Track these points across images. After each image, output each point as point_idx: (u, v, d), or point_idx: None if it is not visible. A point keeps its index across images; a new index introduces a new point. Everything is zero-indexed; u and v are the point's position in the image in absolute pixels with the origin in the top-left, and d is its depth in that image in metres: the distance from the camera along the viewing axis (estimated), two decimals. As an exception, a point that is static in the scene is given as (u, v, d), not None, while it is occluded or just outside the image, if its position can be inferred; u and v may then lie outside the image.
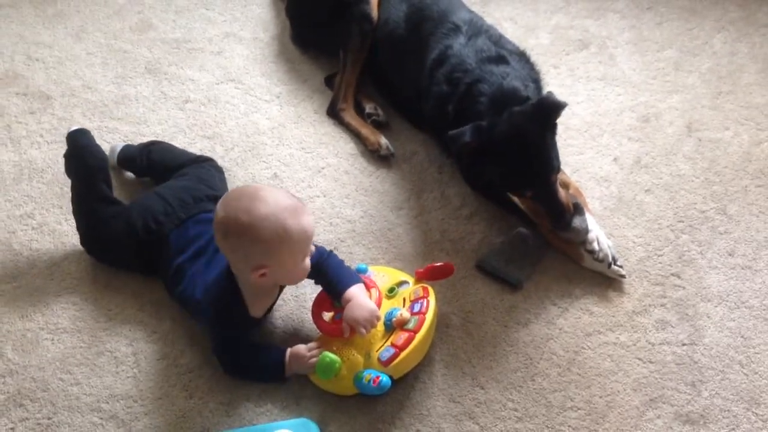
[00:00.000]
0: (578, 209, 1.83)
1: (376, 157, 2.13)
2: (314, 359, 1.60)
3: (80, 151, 1.88)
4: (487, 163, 1.80)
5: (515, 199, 1.93)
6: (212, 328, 1.66)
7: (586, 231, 1.82)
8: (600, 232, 1.86)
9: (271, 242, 1.52)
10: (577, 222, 1.80)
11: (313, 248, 1.62)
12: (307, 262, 1.61)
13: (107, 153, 2.06)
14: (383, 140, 2.13)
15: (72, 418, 1.63)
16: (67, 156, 1.91)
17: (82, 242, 1.86)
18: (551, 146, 1.78)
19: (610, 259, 1.82)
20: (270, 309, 1.75)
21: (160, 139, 2.12)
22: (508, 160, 1.78)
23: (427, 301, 1.65)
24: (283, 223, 1.51)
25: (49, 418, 1.62)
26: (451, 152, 1.94)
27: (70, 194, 1.98)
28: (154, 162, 1.99)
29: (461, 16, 2.04)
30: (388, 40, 2.18)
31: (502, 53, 1.92)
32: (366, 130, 2.17)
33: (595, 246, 1.82)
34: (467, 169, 1.97)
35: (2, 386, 1.67)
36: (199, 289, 1.66)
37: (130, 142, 2.09)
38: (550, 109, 1.75)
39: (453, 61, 1.91)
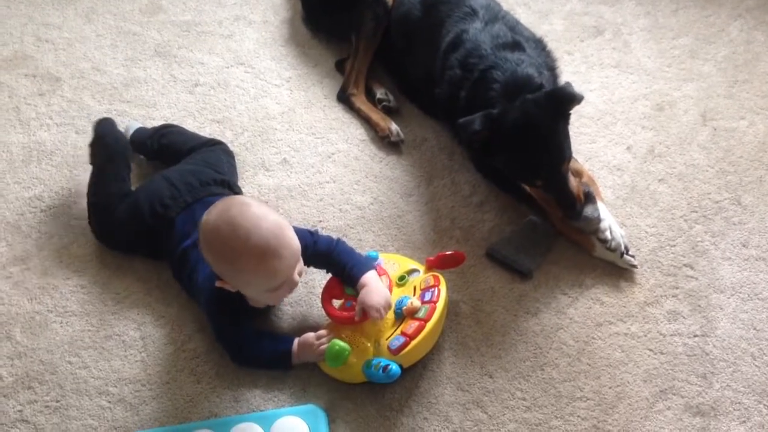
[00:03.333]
0: (590, 198, 1.81)
1: (386, 143, 2.11)
2: (323, 347, 1.60)
3: (106, 134, 1.93)
4: (498, 152, 1.78)
5: (526, 187, 1.91)
6: (211, 316, 1.66)
7: (598, 220, 1.80)
8: (612, 221, 1.84)
9: (218, 266, 1.53)
10: (588, 211, 1.79)
11: (297, 277, 1.58)
12: (279, 293, 1.58)
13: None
14: (393, 126, 2.11)
15: (80, 401, 1.63)
16: (93, 143, 1.92)
17: (92, 227, 1.86)
18: (563, 135, 1.76)
19: (623, 248, 1.81)
20: None
21: (169, 122, 2.11)
22: (519, 148, 1.75)
23: (438, 290, 1.64)
24: (237, 259, 1.49)
25: (57, 401, 1.63)
26: (460, 139, 1.92)
27: (79, 177, 1.99)
28: (165, 146, 1.98)
29: (478, 0, 2.02)
30: (402, 21, 2.15)
31: (518, 40, 1.90)
32: (376, 116, 2.15)
33: (608, 235, 1.81)
34: (477, 157, 1.95)
35: (11, 368, 1.68)
36: (201, 275, 1.65)
37: (142, 125, 2.08)
38: (564, 99, 1.72)
39: (468, 46, 1.89)
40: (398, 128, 2.11)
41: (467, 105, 1.82)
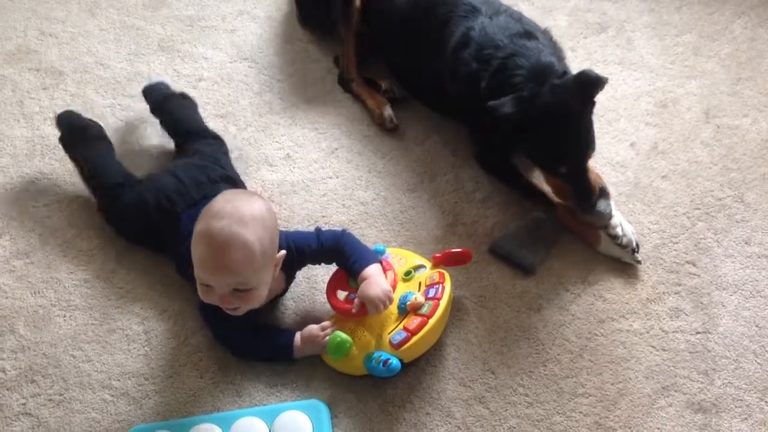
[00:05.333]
0: (604, 193, 1.81)
1: (384, 130, 2.10)
2: (326, 339, 1.60)
3: (78, 125, 1.96)
4: (527, 135, 1.75)
5: (533, 182, 1.91)
6: (205, 312, 1.66)
7: (610, 216, 1.81)
8: (622, 218, 1.85)
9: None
10: (602, 206, 1.78)
11: (227, 300, 1.54)
12: (206, 292, 1.54)
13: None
14: (387, 112, 2.10)
15: (83, 394, 1.63)
16: (65, 136, 1.94)
17: (102, 212, 1.88)
18: (590, 123, 1.76)
19: (634, 245, 1.81)
20: (276, 298, 1.74)
21: (188, 96, 2.12)
22: (550, 132, 1.73)
23: (443, 287, 1.64)
24: (198, 222, 1.53)
25: (60, 395, 1.63)
26: (481, 127, 1.86)
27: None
28: (168, 113, 2.02)
29: None
30: (398, 29, 2.12)
31: (529, 30, 1.89)
32: (372, 102, 2.15)
33: (619, 231, 1.81)
34: (504, 141, 1.91)
35: (14, 362, 1.68)
36: None
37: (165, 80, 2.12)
38: (591, 83, 1.72)
39: (480, 40, 1.87)
40: (392, 114, 2.10)
41: (490, 94, 1.78)
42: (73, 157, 1.94)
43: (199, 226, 1.52)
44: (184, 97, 2.07)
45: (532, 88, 1.73)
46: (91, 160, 1.89)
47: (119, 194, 1.81)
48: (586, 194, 1.76)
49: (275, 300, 1.74)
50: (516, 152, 1.87)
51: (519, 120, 1.72)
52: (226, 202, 1.54)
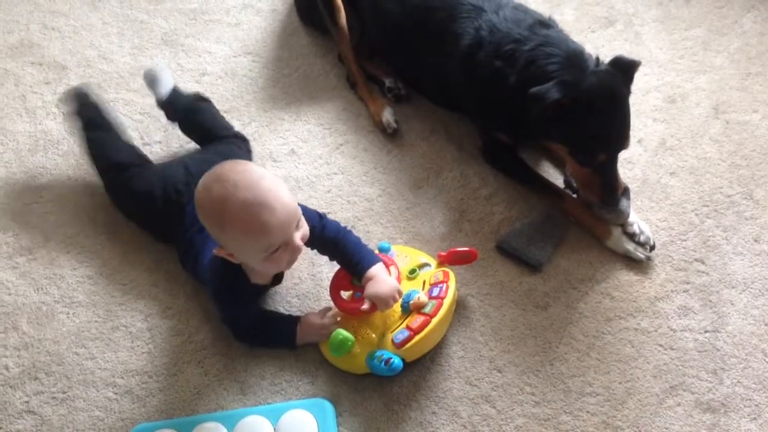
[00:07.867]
0: (626, 192, 1.80)
1: (388, 133, 2.09)
2: (327, 321, 1.62)
3: (89, 104, 1.95)
4: (569, 121, 1.70)
5: (542, 175, 1.91)
6: (216, 295, 1.65)
7: (628, 215, 1.80)
8: (637, 217, 1.84)
9: (211, 228, 1.49)
10: (623, 204, 1.78)
11: (298, 241, 1.50)
12: (277, 258, 1.51)
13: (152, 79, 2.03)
14: (385, 118, 2.08)
15: (87, 392, 1.63)
16: (79, 111, 1.93)
17: (110, 194, 1.88)
18: (629, 112, 1.74)
19: (652, 242, 1.80)
20: (280, 278, 1.74)
21: (203, 95, 2.08)
22: (596, 116, 1.69)
23: (447, 286, 1.62)
24: (224, 212, 1.44)
25: (63, 392, 1.63)
26: (535, 112, 1.76)
27: (85, 167, 1.98)
28: (195, 123, 1.97)
29: None
30: (394, 35, 2.09)
31: (540, 18, 1.86)
32: (372, 107, 2.13)
33: (636, 228, 1.80)
34: (490, 148, 1.91)
35: (17, 359, 1.67)
36: (208, 256, 1.64)
37: (175, 84, 2.04)
38: (627, 67, 1.71)
39: (494, 38, 1.83)
40: (391, 119, 2.08)
41: (519, 88, 1.73)
42: (84, 133, 1.92)
43: (234, 209, 1.43)
44: (201, 99, 2.02)
45: (574, 73, 1.69)
46: (100, 140, 1.88)
47: (129, 176, 1.80)
48: (613, 188, 1.74)
49: (277, 282, 1.74)
50: (550, 140, 1.83)
51: (562, 105, 1.67)
52: (225, 180, 1.45)
